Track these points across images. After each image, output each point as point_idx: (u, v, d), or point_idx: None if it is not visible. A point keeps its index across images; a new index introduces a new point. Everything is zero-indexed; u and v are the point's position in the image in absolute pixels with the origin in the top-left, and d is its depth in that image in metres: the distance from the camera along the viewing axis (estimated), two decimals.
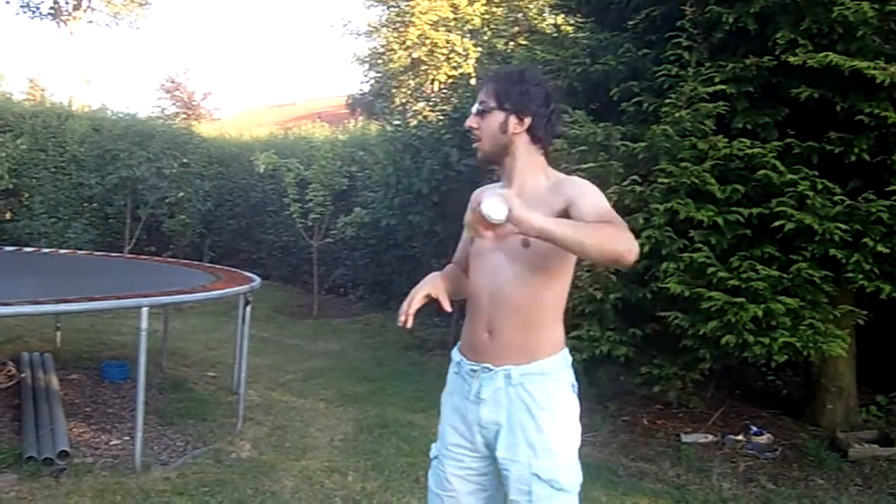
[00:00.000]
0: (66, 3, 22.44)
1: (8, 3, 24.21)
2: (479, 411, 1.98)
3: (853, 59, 3.99)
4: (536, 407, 1.93)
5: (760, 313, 4.02)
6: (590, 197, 1.89)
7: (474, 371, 1.99)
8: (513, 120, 1.97)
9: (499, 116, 1.97)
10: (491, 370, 1.96)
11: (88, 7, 22.94)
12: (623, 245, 1.73)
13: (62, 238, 10.01)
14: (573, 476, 1.95)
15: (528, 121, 1.97)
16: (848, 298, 4.49)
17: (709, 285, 4.17)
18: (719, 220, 4.21)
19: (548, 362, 1.95)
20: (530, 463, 1.91)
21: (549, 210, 1.86)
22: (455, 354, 2.10)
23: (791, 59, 4.15)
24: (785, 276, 4.12)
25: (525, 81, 1.99)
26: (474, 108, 2.02)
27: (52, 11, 22.45)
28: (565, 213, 1.88)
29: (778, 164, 4.16)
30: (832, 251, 4.06)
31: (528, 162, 2.00)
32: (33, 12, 22.39)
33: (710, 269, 4.17)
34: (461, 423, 2.03)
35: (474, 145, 2.04)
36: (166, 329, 6.17)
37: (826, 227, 4.02)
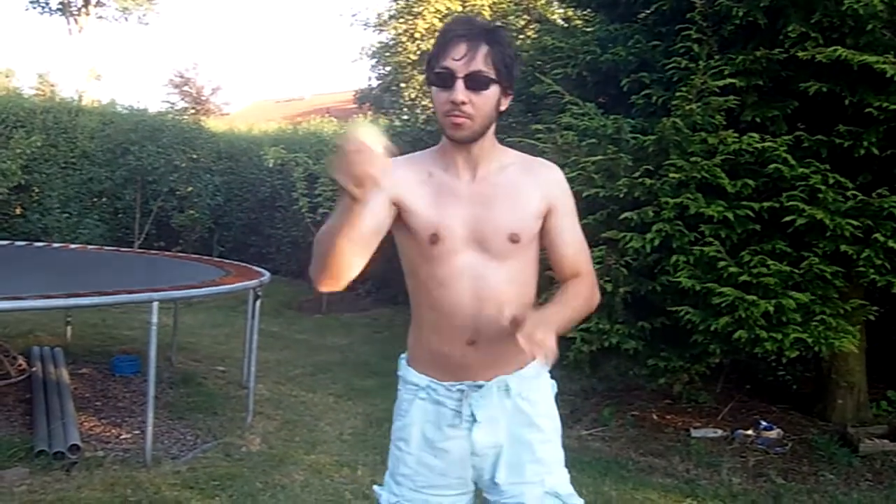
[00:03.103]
0: None
1: None
2: (472, 437, 1.68)
3: (862, 54, 3.96)
4: (538, 414, 1.70)
5: (771, 309, 4.00)
6: (572, 216, 1.69)
7: (461, 392, 1.69)
8: (504, 100, 1.62)
9: (495, 92, 1.58)
10: (482, 386, 1.67)
11: (97, 2, 23.03)
12: (593, 302, 1.73)
13: (74, 233, 10.04)
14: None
15: (509, 101, 1.64)
16: (858, 293, 4.46)
17: (719, 280, 4.15)
18: (729, 215, 4.19)
19: (536, 361, 1.65)
20: (543, 480, 1.67)
21: (521, 198, 1.65)
22: (416, 377, 1.76)
23: (800, 53, 4.12)
24: (796, 271, 4.10)
25: (510, 45, 1.61)
26: (463, 79, 1.54)
27: (62, 7, 22.54)
28: (541, 216, 1.68)
29: (789, 157, 4.13)
30: (843, 247, 4.04)
31: (491, 142, 1.68)
32: (43, 8, 22.54)
33: (721, 264, 4.15)
34: (438, 458, 1.73)
35: (457, 122, 1.57)
36: (176, 323, 6.20)
37: (837, 222, 3.99)
